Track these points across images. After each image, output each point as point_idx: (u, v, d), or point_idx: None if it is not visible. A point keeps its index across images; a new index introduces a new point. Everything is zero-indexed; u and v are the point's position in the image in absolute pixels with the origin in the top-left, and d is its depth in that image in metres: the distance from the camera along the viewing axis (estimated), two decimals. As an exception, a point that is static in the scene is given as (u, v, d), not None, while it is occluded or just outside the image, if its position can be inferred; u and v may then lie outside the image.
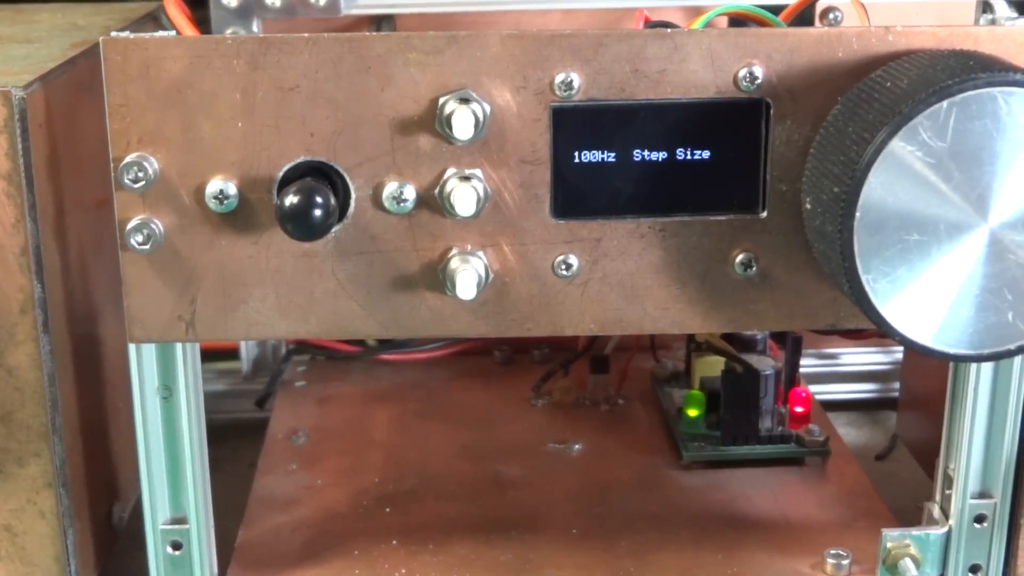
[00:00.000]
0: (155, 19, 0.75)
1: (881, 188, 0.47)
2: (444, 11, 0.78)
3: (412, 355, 0.83)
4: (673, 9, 0.79)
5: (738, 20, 0.65)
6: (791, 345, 0.73)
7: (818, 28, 0.53)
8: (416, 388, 0.80)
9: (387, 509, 0.66)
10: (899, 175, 0.47)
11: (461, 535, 0.64)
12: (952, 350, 0.49)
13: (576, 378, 0.79)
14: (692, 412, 0.72)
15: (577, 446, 0.72)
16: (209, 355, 0.83)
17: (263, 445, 0.73)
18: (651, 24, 0.61)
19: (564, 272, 0.54)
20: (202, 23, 0.74)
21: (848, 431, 0.84)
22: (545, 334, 0.55)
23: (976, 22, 0.78)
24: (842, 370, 0.87)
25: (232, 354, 0.85)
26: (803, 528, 0.64)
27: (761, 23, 0.61)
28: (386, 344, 0.83)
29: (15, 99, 0.53)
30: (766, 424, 0.70)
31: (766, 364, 0.70)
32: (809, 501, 0.67)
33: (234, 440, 0.82)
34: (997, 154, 0.47)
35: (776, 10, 0.62)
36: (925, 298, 0.48)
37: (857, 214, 0.47)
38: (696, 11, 0.75)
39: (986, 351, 0.50)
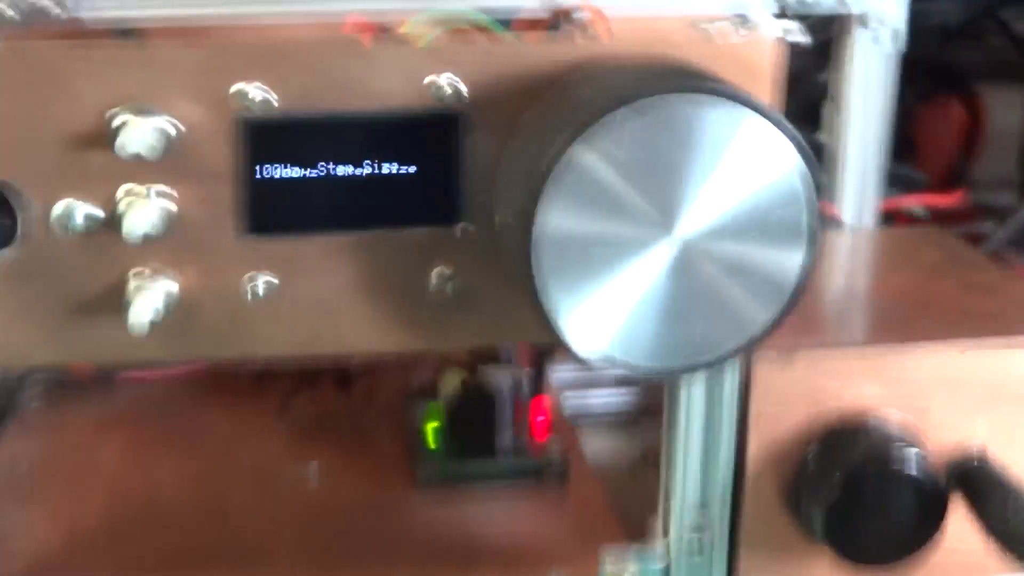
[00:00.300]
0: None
1: (562, 201, 0.46)
2: (190, 22, 0.74)
3: (156, 374, 0.80)
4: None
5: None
6: (535, 356, 0.72)
7: (517, 38, 0.51)
8: (157, 410, 0.77)
9: (103, 542, 0.63)
10: (580, 187, 0.46)
11: (176, 567, 0.61)
12: (642, 365, 0.48)
13: (323, 396, 0.76)
14: (430, 429, 0.70)
15: (312, 468, 0.70)
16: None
17: (-21, 476, 0.69)
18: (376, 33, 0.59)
19: (255, 292, 0.51)
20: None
21: (605, 441, 0.82)
22: (238, 357, 0.52)
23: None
24: (601, 378, 0.85)
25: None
26: (533, 547, 0.63)
27: (487, 34, 0.59)
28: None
29: None
30: (504, 440, 0.68)
31: (504, 377, 0.68)
32: (543, 518, 0.65)
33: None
34: (683, 166, 0.46)
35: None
36: (610, 313, 0.47)
37: (536, 228, 0.46)
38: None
39: (677, 366, 0.49)
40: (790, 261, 0.48)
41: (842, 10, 0.71)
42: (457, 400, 0.68)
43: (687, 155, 0.46)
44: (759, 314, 0.48)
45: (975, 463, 0.57)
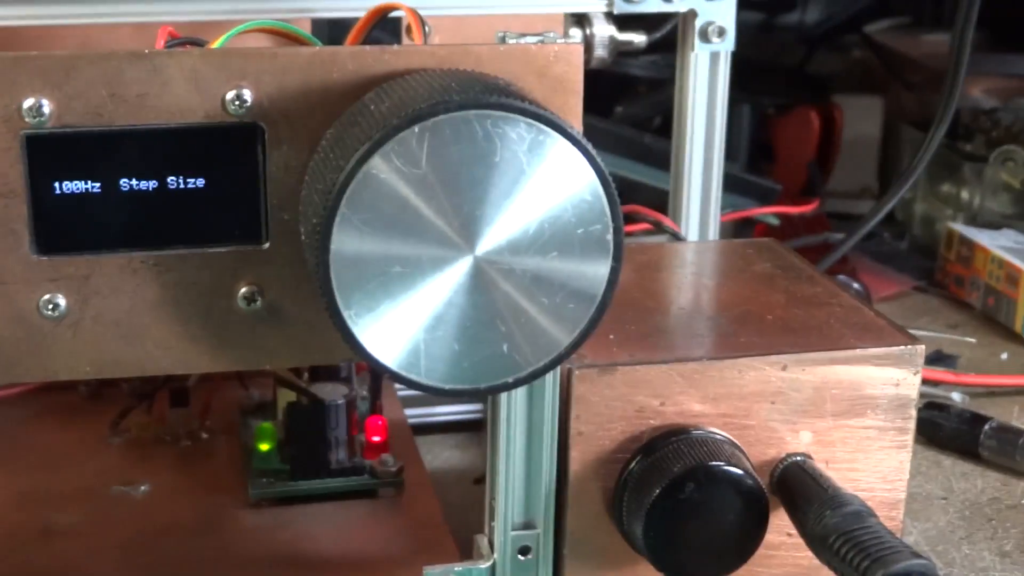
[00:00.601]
0: None
1: (359, 218, 0.45)
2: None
3: (-13, 394, 0.77)
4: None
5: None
6: (374, 372, 0.71)
7: (310, 48, 0.50)
8: (-14, 430, 0.75)
9: (-86, 571, 0.61)
10: (377, 204, 0.45)
11: (-8, 592, 0.59)
12: (447, 385, 0.47)
13: (158, 412, 0.75)
14: (263, 446, 0.68)
15: (144, 487, 0.68)
16: None
17: None
18: (176, 41, 0.58)
19: (51, 312, 0.49)
20: None
21: (454, 453, 0.82)
22: (36, 380, 0.51)
23: (565, 34, 0.78)
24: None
25: None
26: (365, 565, 0.62)
27: (292, 41, 0.58)
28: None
29: None
30: (338, 456, 0.67)
31: (337, 393, 0.67)
32: (376, 536, 0.64)
33: None
34: (482, 183, 0.45)
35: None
36: (413, 332, 0.46)
37: (333, 246, 0.45)
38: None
39: (483, 385, 0.48)
40: (594, 277, 0.47)
41: (668, 8, 0.71)
42: (291, 417, 0.67)
43: (486, 172, 0.45)
44: (564, 331, 0.48)
45: (795, 470, 0.57)
